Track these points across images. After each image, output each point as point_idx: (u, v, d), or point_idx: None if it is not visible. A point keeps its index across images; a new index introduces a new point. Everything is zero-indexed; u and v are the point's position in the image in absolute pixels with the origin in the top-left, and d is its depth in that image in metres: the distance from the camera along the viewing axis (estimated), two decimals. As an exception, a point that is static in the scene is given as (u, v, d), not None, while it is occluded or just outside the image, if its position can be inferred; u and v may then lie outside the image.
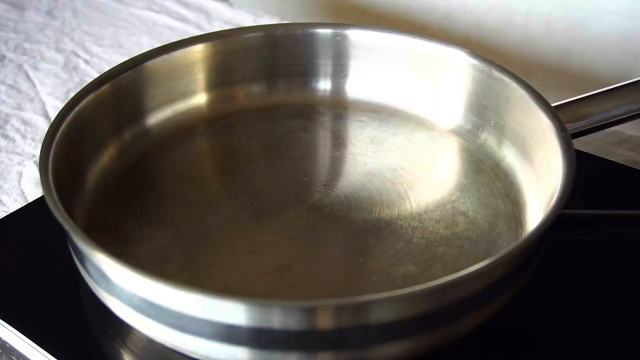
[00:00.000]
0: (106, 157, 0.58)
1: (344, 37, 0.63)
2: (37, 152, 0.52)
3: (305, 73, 0.65)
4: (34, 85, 0.80)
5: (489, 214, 0.54)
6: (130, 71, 0.59)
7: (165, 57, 0.60)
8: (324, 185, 0.56)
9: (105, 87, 0.57)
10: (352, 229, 0.53)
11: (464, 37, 0.88)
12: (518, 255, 0.44)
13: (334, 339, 0.42)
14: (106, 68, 0.60)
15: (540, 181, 0.54)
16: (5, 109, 0.76)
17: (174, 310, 0.42)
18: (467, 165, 0.58)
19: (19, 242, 0.56)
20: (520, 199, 0.55)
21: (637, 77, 0.57)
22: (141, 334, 0.47)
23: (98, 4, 0.96)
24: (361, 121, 0.63)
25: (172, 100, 0.61)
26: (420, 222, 0.53)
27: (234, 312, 0.41)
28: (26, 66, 0.83)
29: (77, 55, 0.85)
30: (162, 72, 0.61)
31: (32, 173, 0.67)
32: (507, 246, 0.51)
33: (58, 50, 0.86)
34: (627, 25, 0.73)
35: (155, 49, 0.61)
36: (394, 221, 0.53)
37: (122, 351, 0.48)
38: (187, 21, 0.91)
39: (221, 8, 0.94)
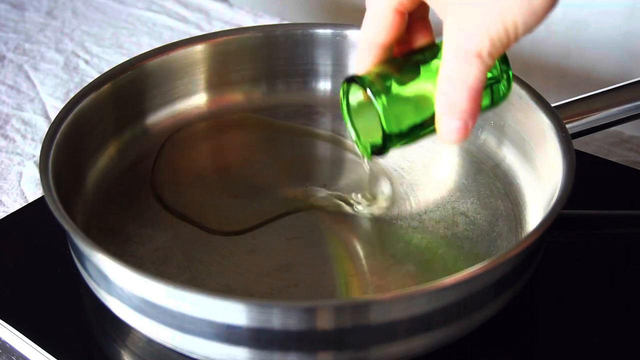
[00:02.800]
0: (106, 157, 0.58)
1: (344, 37, 0.63)
2: (37, 152, 0.52)
3: (305, 73, 0.65)
4: (34, 86, 0.80)
5: (489, 215, 0.54)
6: (130, 71, 0.59)
7: (165, 57, 0.60)
8: (324, 185, 0.56)
9: (105, 87, 0.57)
10: (352, 229, 0.53)
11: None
12: (518, 256, 0.44)
13: (333, 339, 0.42)
14: (106, 68, 0.60)
15: (540, 181, 0.54)
16: (5, 109, 0.76)
17: (174, 310, 0.42)
18: (467, 165, 0.58)
19: (19, 242, 0.56)
20: (520, 199, 0.55)
21: (637, 77, 0.57)
22: (141, 334, 0.47)
23: (98, 4, 0.96)
24: (361, 121, 0.63)
25: (172, 100, 0.61)
26: (420, 222, 0.53)
27: (234, 312, 0.41)
28: (26, 66, 0.83)
29: (77, 56, 0.85)
30: (162, 72, 0.61)
31: (32, 173, 0.67)
32: (507, 246, 0.51)
33: (58, 50, 0.86)
34: (627, 25, 0.73)
35: (155, 49, 0.61)
36: (394, 221, 0.53)
37: (122, 351, 0.48)
38: (187, 21, 0.91)
39: (221, 8, 0.94)
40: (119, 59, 0.80)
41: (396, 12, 0.44)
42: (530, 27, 0.39)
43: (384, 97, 0.44)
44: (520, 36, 0.39)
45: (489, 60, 0.40)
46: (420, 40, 0.47)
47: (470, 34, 0.39)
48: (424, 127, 0.45)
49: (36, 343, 0.48)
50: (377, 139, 0.45)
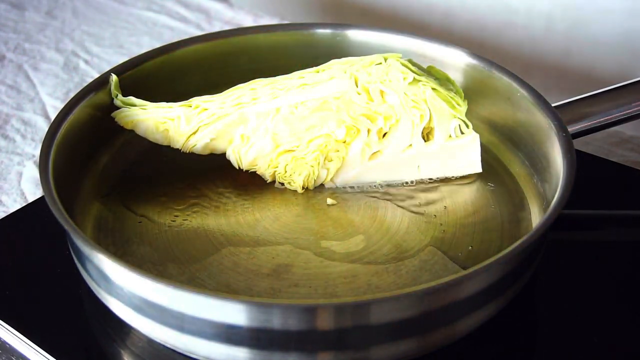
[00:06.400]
0: (106, 157, 0.58)
1: (344, 37, 0.63)
2: (37, 152, 0.52)
3: (305, 73, 0.64)
4: (34, 86, 0.80)
5: (490, 215, 0.54)
6: (130, 71, 0.59)
7: (165, 57, 0.60)
8: (324, 185, 0.56)
9: (105, 87, 0.57)
10: (352, 229, 0.53)
11: (464, 37, 0.88)
12: (518, 256, 0.44)
13: (333, 339, 0.42)
14: (106, 68, 0.60)
15: (540, 181, 0.54)
16: (5, 109, 0.76)
17: (174, 310, 0.42)
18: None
19: (19, 242, 0.56)
20: (521, 199, 0.55)
21: (637, 77, 0.57)
22: (141, 334, 0.47)
23: (98, 4, 0.96)
24: (361, 121, 0.63)
25: (172, 100, 0.61)
26: (420, 222, 0.53)
27: (234, 312, 0.41)
28: (26, 66, 0.83)
29: (77, 56, 0.85)
30: (162, 72, 0.61)
31: (32, 173, 0.67)
32: (507, 246, 0.51)
33: (58, 50, 0.86)
34: (627, 25, 0.73)
35: (155, 49, 0.61)
36: (395, 221, 0.53)
37: (122, 351, 0.48)
38: (187, 21, 0.92)
39: (221, 8, 0.94)
40: (119, 59, 0.80)
41: None
42: None
43: None
44: None
45: None
46: None
47: None
48: None
49: (36, 343, 0.48)
50: None
